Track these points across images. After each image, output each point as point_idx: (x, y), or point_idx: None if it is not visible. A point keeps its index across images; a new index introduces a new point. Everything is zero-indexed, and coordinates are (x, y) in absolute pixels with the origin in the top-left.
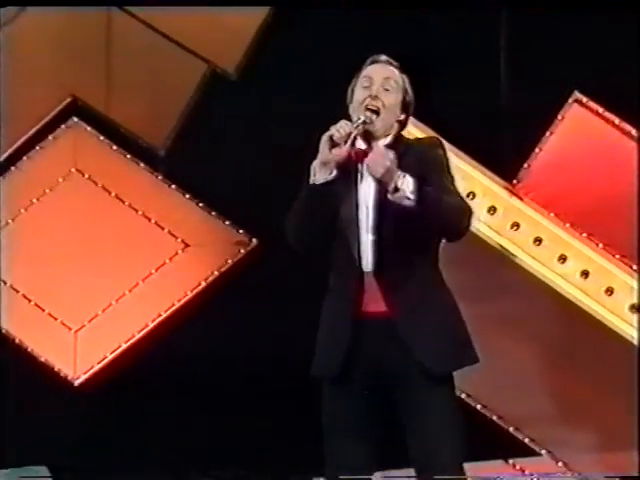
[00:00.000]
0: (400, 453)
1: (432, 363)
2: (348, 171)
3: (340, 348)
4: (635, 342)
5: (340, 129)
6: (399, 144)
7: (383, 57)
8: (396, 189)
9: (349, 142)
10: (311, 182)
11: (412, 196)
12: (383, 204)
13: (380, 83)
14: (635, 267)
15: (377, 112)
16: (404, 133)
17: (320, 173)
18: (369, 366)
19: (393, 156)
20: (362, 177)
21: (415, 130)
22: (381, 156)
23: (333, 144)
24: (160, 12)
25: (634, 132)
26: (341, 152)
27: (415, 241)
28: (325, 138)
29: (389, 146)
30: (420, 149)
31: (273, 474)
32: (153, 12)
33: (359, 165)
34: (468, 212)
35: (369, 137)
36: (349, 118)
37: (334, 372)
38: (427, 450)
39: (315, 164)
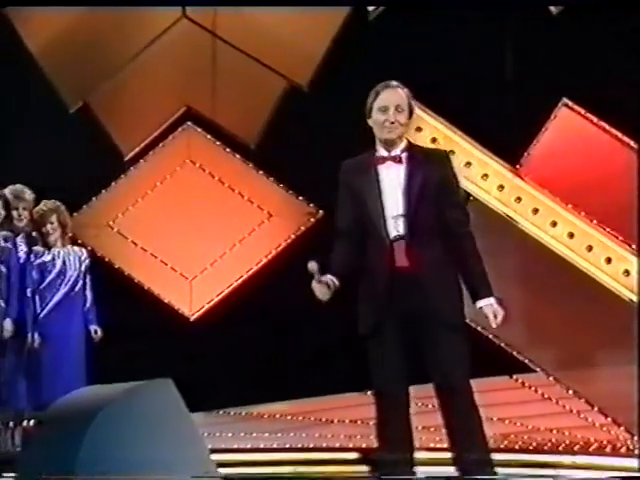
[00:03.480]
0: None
1: (445, 314)
2: (370, 172)
3: (379, 301)
4: (608, 286)
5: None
6: (411, 150)
7: (394, 83)
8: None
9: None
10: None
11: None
12: (409, 196)
13: (394, 107)
14: (609, 230)
15: (395, 129)
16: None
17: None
18: (400, 317)
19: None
20: (380, 173)
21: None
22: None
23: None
24: (249, 40)
25: (609, 128)
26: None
27: (435, 223)
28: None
29: (404, 150)
30: (430, 166)
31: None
32: (244, 39)
33: (378, 167)
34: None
35: (389, 145)
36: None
37: (375, 326)
38: (442, 372)
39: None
